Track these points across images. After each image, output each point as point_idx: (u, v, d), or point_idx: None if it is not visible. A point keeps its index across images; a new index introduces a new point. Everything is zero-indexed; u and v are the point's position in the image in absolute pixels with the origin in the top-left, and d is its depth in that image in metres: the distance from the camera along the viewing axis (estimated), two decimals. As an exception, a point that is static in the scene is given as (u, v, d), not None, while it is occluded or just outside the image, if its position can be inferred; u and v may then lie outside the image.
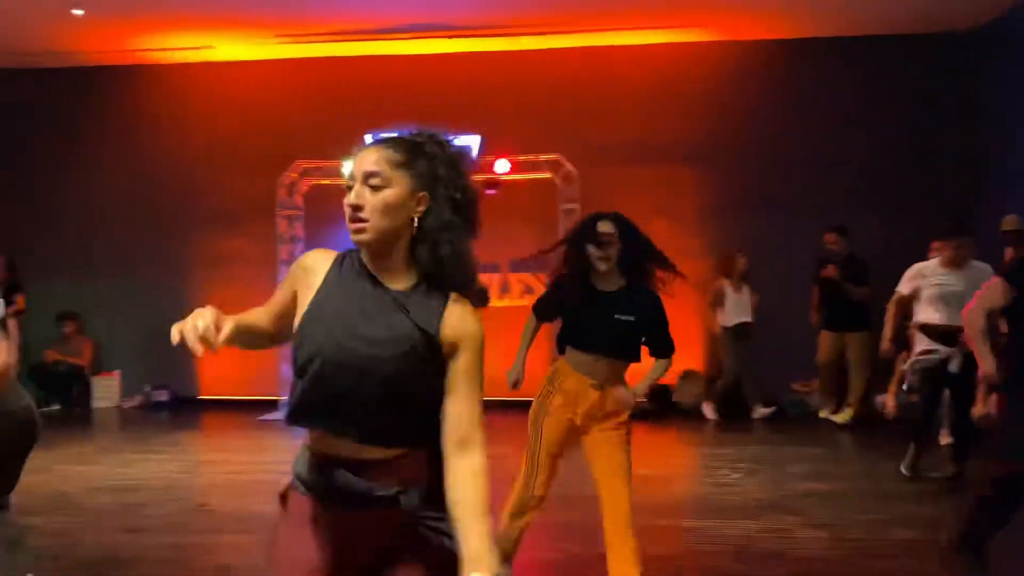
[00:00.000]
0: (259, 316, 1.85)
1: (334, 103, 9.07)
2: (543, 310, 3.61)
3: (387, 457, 1.73)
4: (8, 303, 3.72)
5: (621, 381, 3.34)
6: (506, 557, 3.45)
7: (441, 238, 1.75)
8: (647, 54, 8.85)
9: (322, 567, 1.69)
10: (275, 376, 8.95)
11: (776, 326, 8.25)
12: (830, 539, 4.31)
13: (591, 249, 3.23)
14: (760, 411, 8.09)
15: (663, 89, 8.80)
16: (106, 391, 9.36)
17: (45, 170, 9.43)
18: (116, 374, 9.42)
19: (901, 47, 8.53)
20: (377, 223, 1.73)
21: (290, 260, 8.93)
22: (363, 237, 1.73)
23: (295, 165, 8.83)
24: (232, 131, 9.28)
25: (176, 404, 9.28)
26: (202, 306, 1.64)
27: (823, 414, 7.92)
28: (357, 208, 1.73)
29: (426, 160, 1.80)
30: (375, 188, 1.73)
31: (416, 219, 1.76)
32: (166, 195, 9.38)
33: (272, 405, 8.80)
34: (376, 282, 1.78)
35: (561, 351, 3.43)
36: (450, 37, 8.58)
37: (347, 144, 8.33)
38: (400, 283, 1.79)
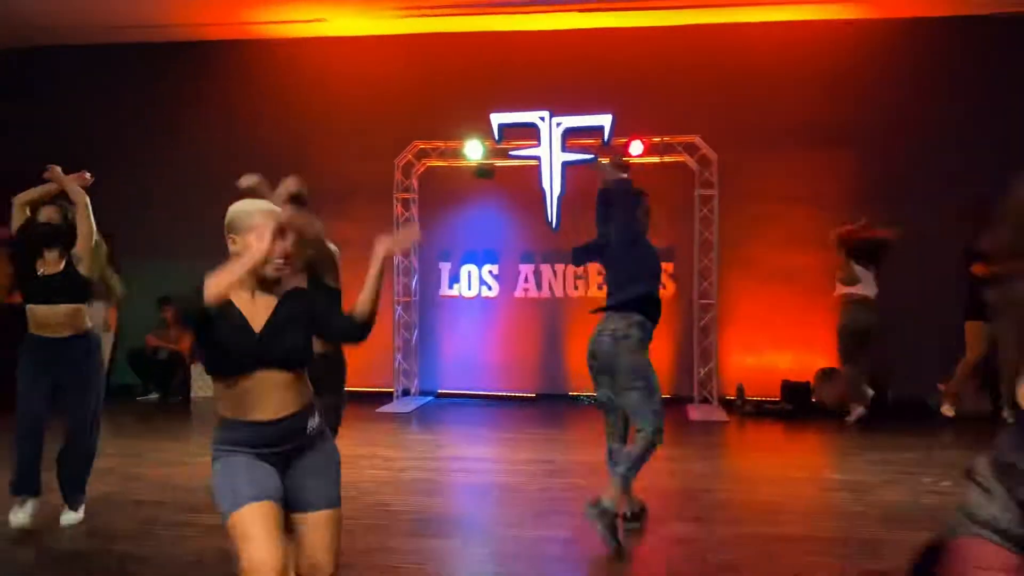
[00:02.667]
0: None
1: (454, 81, 8.63)
2: None
3: None
4: None
5: None
6: None
7: None
8: (791, 31, 8.32)
9: None
10: (388, 367, 8.58)
11: (919, 320, 7.73)
12: None
13: None
14: (856, 413, 7.45)
15: (807, 69, 8.27)
16: (206, 380, 8.98)
17: (150, 148, 9.07)
18: (216, 362, 9.03)
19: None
20: None
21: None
22: None
23: (411, 146, 8.40)
24: (342, 110, 8.87)
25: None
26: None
27: (948, 411, 7.42)
28: None
29: None
30: None
31: None
32: (271, 175, 8.92)
33: (385, 397, 8.41)
34: None
35: None
36: (581, 11, 8.10)
37: (468, 124, 7.92)
38: None
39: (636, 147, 7.92)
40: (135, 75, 9.11)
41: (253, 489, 2.31)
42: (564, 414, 8.13)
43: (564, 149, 8.00)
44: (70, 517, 4.32)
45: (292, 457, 2.41)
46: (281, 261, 2.39)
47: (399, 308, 8.51)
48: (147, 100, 9.11)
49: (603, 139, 7.93)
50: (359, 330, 2.47)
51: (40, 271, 4.23)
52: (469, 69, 8.63)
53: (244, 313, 2.38)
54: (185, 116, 9.08)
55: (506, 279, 8.83)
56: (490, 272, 8.85)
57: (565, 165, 7.98)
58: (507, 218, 8.81)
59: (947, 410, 7.52)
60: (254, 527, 2.27)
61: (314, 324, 2.47)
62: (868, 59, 8.23)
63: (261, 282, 2.41)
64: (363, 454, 6.09)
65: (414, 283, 8.69)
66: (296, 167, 8.71)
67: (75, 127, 9.11)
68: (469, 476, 5.57)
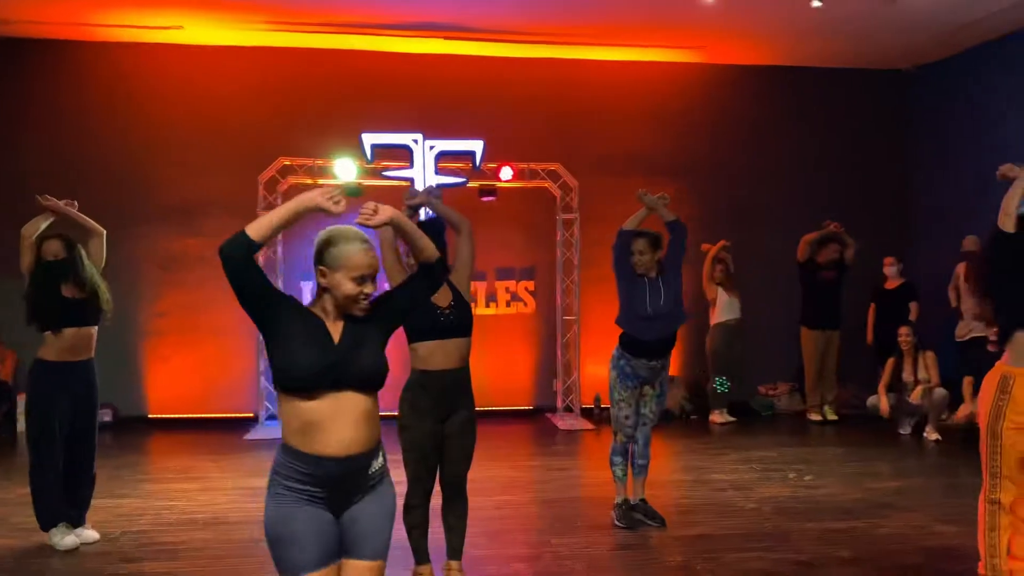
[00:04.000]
0: None
1: (323, 98, 8.53)
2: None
3: None
4: None
5: None
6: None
7: None
8: (643, 71, 9.09)
9: None
10: (247, 391, 8.28)
11: (741, 330, 8.72)
12: (970, 532, 4.70)
13: None
14: (723, 417, 8.48)
15: (655, 105, 9.10)
16: (33, 412, 8.10)
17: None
18: (45, 392, 8.17)
19: (859, 80, 9.42)
20: None
21: (268, 265, 8.23)
22: None
23: (276, 162, 8.16)
24: (201, 122, 8.43)
25: (121, 425, 8.22)
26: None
27: (815, 415, 8.50)
28: None
29: None
30: None
31: None
32: (116, 186, 8.29)
33: (245, 422, 8.10)
34: None
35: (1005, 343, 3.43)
36: (452, 38, 8.32)
37: (336, 143, 7.99)
38: None
39: (506, 172, 8.29)
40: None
41: (315, 552, 2.27)
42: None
43: (436, 172, 8.19)
44: (94, 533, 4.53)
45: (351, 500, 2.34)
46: (367, 303, 2.38)
47: (263, 329, 8.21)
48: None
49: (474, 163, 8.21)
50: (436, 266, 2.57)
51: (66, 294, 4.39)
52: (339, 87, 8.56)
53: (327, 326, 2.35)
54: (16, 119, 8.17)
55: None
56: (354, 291, 8.78)
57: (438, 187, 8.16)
58: (372, 238, 8.77)
59: (814, 416, 8.53)
60: None
61: (393, 312, 2.48)
62: (702, 99, 9.21)
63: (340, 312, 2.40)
64: (255, 486, 5.89)
65: (280, 303, 8.41)
66: (145, 179, 8.33)
67: None
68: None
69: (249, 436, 7.70)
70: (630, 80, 9.08)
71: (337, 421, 2.27)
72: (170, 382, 8.48)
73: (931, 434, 7.49)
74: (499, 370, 8.92)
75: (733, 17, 7.65)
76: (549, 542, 4.62)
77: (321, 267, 2.37)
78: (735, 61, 9.12)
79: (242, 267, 2.29)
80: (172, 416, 8.40)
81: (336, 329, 2.38)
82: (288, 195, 8.33)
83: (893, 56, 8.98)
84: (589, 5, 7.47)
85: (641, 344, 4.69)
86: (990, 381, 3.45)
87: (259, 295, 2.32)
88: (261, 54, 8.48)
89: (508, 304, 8.98)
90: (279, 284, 8.31)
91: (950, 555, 4.36)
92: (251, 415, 8.35)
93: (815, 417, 8.51)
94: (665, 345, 4.77)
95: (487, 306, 8.94)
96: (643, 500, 4.95)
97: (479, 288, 8.94)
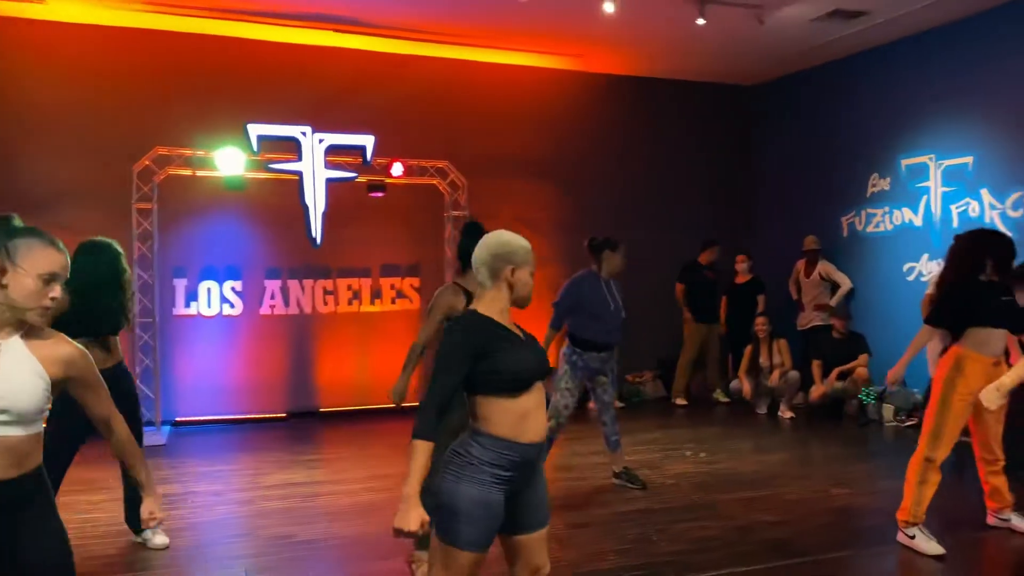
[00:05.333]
0: None
1: (204, 87, 8.10)
2: (944, 317, 4.23)
3: None
4: None
5: None
6: (919, 521, 4.19)
7: None
8: (526, 75, 9.40)
9: None
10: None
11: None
12: (860, 493, 5.46)
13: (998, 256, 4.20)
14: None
15: (537, 109, 9.44)
16: None
17: None
18: None
19: (717, 92, 10.33)
20: None
21: (144, 259, 7.72)
22: None
23: (152, 151, 7.66)
24: (66, 107, 7.71)
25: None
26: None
27: (681, 400, 9.26)
28: None
29: None
30: None
31: None
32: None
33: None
34: None
35: (956, 339, 4.20)
36: (343, 31, 8.20)
37: (218, 133, 7.84)
38: None
39: (397, 169, 8.31)
40: None
41: (489, 538, 2.49)
42: (329, 431, 8.10)
43: (326, 166, 8.05)
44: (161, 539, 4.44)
45: (529, 481, 2.57)
46: None
47: (138, 329, 7.69)
48: None
49: (364, 158, 8.15)
50: None
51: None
52: (223, 75, 8.15)
53: (512, 328, 2.61)
54: None
55: (250, 296, 8.51)
56: (233, 289, 8.44)
57: (328, 182, 8.03)
58: (251, 233, 8.50)
59: (680, 400, 9.26)
60: (466, 572, 2.48)
61: None
62: (579, 104, 9.69)
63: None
64: (174, 493, 5.61)
65: (156, 301, 7.89)
66: (-2, 165, 7.50)
67: None
68: (335, 498, 5.48)
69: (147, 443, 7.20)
70: (514, 83, 9.37)
71: (538, 408, 2.56)
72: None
73: (785, 413, 8.43)
74: (383, 367, 8.90)
75: (614, 29, 8.13)
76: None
77: (510, 266, 2.57)
78: (609, 70, 9.69)
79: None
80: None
81: (513, 328, 2.62)
82: (165, 186, 7.86)
83: (747, 72, 9.94)
84: (478, 6, 7.65)
85: (591, 343, 5.24)
86: (945, 360, 4.17)
87: (478, 356, 2.48)
88: (137, 36, 7.90)
89: (393, 301, 9.00)
90: (155, 283, 7.82)
91: (854, 513, 5.04)
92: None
93: (680, 402, 9.27)
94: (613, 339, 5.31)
95: (372, 303, 8.91)
96: (626, 468, 5.67)
97: (363, 285, 8.90)
